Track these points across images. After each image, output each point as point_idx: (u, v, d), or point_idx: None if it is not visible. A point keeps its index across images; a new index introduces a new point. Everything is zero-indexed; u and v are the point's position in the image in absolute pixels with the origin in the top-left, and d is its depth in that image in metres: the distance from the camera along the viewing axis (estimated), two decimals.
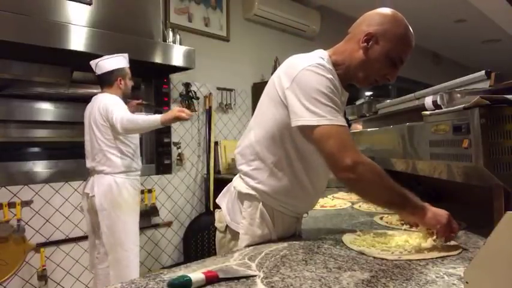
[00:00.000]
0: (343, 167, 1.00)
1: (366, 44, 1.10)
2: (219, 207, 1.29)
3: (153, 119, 2.21)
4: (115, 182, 2.28)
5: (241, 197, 1.17)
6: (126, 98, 2.43)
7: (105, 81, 2.37)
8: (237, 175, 1.24)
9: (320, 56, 1.13)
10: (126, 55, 2.40)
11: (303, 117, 1.02)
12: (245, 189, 1.16)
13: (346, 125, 1.04)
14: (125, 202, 2.31)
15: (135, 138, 2.42)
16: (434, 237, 1.05)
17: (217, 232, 1.27)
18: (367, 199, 1.14)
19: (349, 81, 1.20)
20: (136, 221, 2.39)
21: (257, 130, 1.16)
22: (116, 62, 2.35)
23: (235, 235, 1.19)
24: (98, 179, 2.29)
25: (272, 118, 1.12)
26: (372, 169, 1.02)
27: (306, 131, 1.04)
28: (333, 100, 1.03)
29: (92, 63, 2.34)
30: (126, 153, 2.34)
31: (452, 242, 1.11)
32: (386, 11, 1.14)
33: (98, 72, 2.34)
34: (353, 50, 1.13)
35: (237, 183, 1.19)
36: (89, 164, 2.35)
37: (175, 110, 2.20)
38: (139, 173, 2.44)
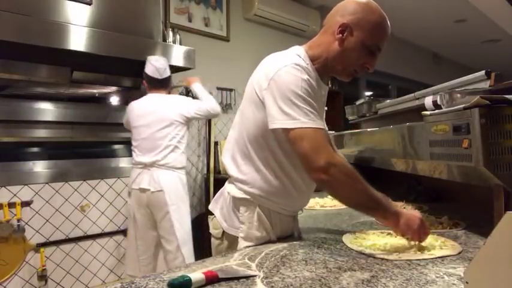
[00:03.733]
0: (316, 168, 1.01)
1: (341, 35, 1.09)
2: (211, 214, 1.29)
3: (203, 89, 2.67)
4: (179, 177, 2.47)
5: (237, 202, 1.17)
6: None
7: (167, 84, 2.62)
8: (228, 180, 1.24)
9: (297, 54, 1.12)
10: None
11: (278, 119, 1.03)
12: (240, 195, 1.15)
13: (322, 126, 1.05)
14: (186, 195, 2.53)
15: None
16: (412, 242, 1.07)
17: (212, 239, 1.27)
18: (339, 200, 1.14)
19: (329, 73, 1.20)
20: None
21: (243, 134, 1.16)
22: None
23: (233, 241, 1.19)
24: (161, 174, 2.40)
25: (253, 120, 1.12)
26: (344, 171, 1.02)
27: (282, 133, 1.05)
28: (308, 102, 1.03)
29: (159, 68, 2.53)
30: (184, 149, 2.56)
31: (452, 242, 1.11)
32: (357, 1, 1.11)
33: (164, 75, 2.56)
34: (329, 42, 1.11)
35: (231, 189, 1.19)
36: (147, 159, 2.43)
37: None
38: None
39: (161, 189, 2.36)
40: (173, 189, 2.40)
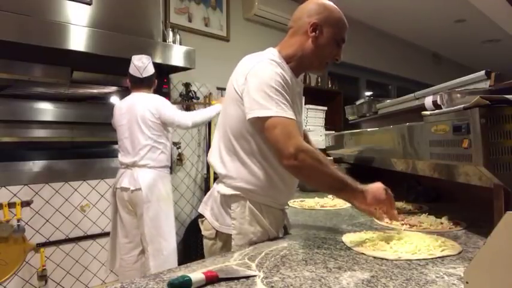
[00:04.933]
0: (286, 155, 1.07)
1: (314, 33, 1.19)
2: (201, 217, 1.31)
3: (215, 110, 2.59)
4: (159, 175, 2.44)
5: (227, 199, 1.20)
6: None
7: (148, 83, 2.55)
8: (216, 181, 1.28)
9: (271, 53, 1.22)
10: None
11: (253, 110, 1.10)
12: (229, 191, 1.19)
13: (292, 117, 1.11)
14: (167, 195, 2.50)
15: (170, 135, 2.61)
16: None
17: (205, 240, 1.28)
18: (310, 184, 1.24)
19: (304, 71, 1.31)
20: (173, 213, 2.55)
21: (227, 131, 1.21)
22: (153, 66, 2.56)
23: (227, 240, 1.20)
24: (140, 173, 2.40)
25: (236, 116, 1.17)
26: (312, 156, 1.08)
27: (257, 122, 1.11)
28: (281, 93, 1.10)
29: (139, 66, 2.48)
30: (168, 148, 2.54)
31: (452, 242, 1.11)
32: (318, 1, 1.24)
33: (145, 74, 2.50)
34: (302, 41, 1.21)
35: (220, 188, 1.22)
36: (128, 159, 2.44)
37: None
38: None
39: (139, 188, 2.36)
40: (151, 187, 2.38)
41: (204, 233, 1.28)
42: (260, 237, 1.17)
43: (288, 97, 1.12)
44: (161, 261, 2.37)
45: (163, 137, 2.50)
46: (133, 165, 2.43)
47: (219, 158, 1.23)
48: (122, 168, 2.49)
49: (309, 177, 1.15)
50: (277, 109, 1.08)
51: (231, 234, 1.18)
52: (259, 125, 1.11)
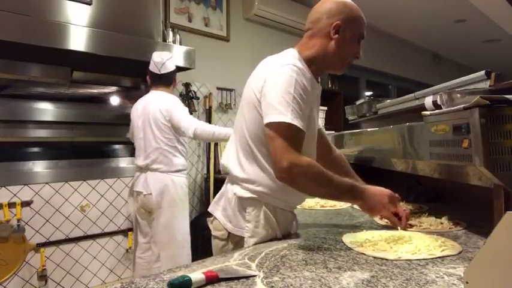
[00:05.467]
0: (279, 168, 1.08)
1: (337, 35, 1.18)
2: (210, 216, 1.31)
3: (225, 133, 2.26)
4: (172, 180, 2.35)
5: (243, 202, 1.19)
6: None
7: (167, 80, 2.46)
8: (229, 182, 1.26)
9: (292, 55, 1.18)
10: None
11: (268, 114, 1.09)
12: (247, 194, 1.18)
13: (301, 127, 1.09)
14: (180, 200, 2.39)
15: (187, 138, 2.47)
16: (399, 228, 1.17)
17: (216, 241, 1.27)
18: (307, 194, 1.24)
19: (325, 71, 1.30)
20: (187, 219, 2.47)
21: (245, 134, 1.20)
22: (174, 62, 2.48)
23: (238, 242, 1.20)
24: (152, 177, 2.33)
25: (254, 120, 1.16)
26: (306, 171, 1.08)
27: (269, 126, 1.10)
28: (297, 103, 1.09)
29: (157, 62, 2.41)
30: (181, 152, 2.42)
31: (452, 242, 1.11)
32: (336, 0, 1.21)
33: (163, 71, 2.42)
34: (323, 43, 1.19)
35: (237, 190, 1.20)
36: (141, 161, 2.39)
37: None
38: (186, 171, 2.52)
39: (150, 193, 2.31)
40: (162, 193, 2.31)
41: (214, 233, 1.28)
42: (270, 239, 1.18)
43: (303, 106, 1.10)
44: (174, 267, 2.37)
45: (176, 140, 2.39)
46: (146, 168, 2.37)
47: (236, 161, 1.22)
48: (137, 171, 2.46)
49: (304, 189, 1.18)
50: (290, 116, 1.07)
51: (243, 237, 1.18)
52: (271, 128, 1.10)
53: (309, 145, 1.21)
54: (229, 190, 1.24)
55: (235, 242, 1.21)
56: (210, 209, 1.31)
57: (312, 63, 1.19)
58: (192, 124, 2.29)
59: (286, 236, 1.24)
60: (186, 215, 2.45)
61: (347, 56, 1.23)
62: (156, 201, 2.29)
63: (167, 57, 2.44)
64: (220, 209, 1.27)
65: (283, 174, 1.08)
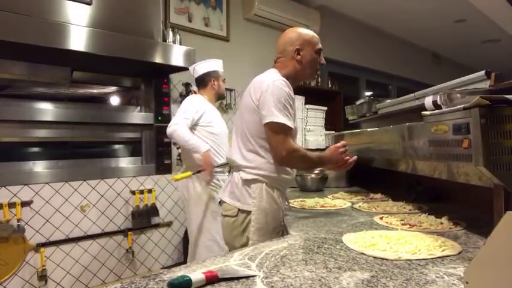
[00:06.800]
0: (279, 157, 1.49)
1: (299, 56, 1.59)
2: (221, 202, 1.64)
3: (198, 145, 2.41)
4: (196, 175, 2.52)
5: (248, 182, 1.53)
6: (220, 98, 2.82)
7: (201, 83, 2.68)
8: (235, 170, 1.61)
9: (276, 72, 1.58)
10: (220, 60, 2.74)
11: (267, 116, 1.47)
12: (250, 176, 1.52)
13: (292, 126, 1.50)
14: (196, 195, 2.52)
15: (216, 136, 2.57)
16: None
17: (226, 219, 1.58)
18: (296, 169, 1.73)
19: (301, 81, 1.70)
20: (207, 216, 2.52)
21: (246, 132, 1.55)
22: (209, 65, 2.66)
23: (246, 216, 1.52)
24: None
25: (254, 121, 1.53)
26: (298, 155, 1.51)
27: (268, 125, 1.47)
28: (287, 108, 1.49)
29: (191, 68, 2.70)
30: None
31: (452, 242, 1.11)
32: (292, 31, 1.64)
33: (195, 75, 2.68)
34: (293, 63, 1.61)
35: (242, 175, 1.55)
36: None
37: (210, 166, 2.43)
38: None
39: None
40: (184, 188, 2.56)
41: (225, 213, 1.59)
42: (273, 213, 1.50)
43: (291, 111, 1.51)
44: (193, 259, 2.52)
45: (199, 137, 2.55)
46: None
47: (239, 154, 1.57)
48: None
49: (296, 167, 1.68)
50: (284, 118, 1.46)
51: (249, 212, 1.50)
52: (268, 127, 1.48)
53: (294, 137, 1.59)
54: (236, 176, 1.58)
55: (243, 216, 1.52)
56: (219, 195, 1.69)
57: (288, 78, 1.56)
58: (173, 125, 2.41)
59: (286, 236, 1.24)
60: (200, 209, 2.55)
61: (313, 67, 1.64)
62: (181, 195, 2.64)
63: (199, 63, 2.68)
64: (227, 193, 1.60)
65: (284, 159, 1.48)
